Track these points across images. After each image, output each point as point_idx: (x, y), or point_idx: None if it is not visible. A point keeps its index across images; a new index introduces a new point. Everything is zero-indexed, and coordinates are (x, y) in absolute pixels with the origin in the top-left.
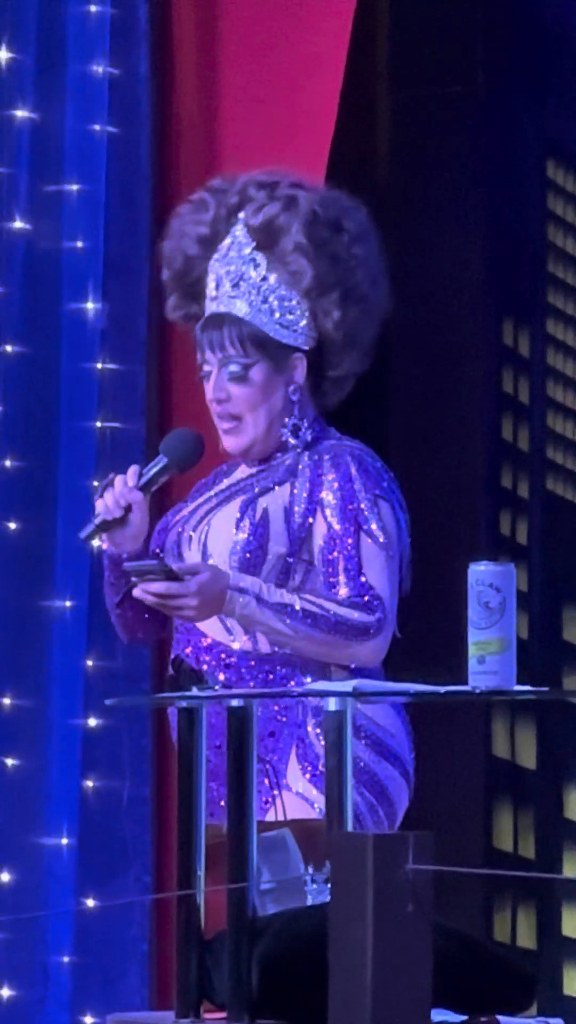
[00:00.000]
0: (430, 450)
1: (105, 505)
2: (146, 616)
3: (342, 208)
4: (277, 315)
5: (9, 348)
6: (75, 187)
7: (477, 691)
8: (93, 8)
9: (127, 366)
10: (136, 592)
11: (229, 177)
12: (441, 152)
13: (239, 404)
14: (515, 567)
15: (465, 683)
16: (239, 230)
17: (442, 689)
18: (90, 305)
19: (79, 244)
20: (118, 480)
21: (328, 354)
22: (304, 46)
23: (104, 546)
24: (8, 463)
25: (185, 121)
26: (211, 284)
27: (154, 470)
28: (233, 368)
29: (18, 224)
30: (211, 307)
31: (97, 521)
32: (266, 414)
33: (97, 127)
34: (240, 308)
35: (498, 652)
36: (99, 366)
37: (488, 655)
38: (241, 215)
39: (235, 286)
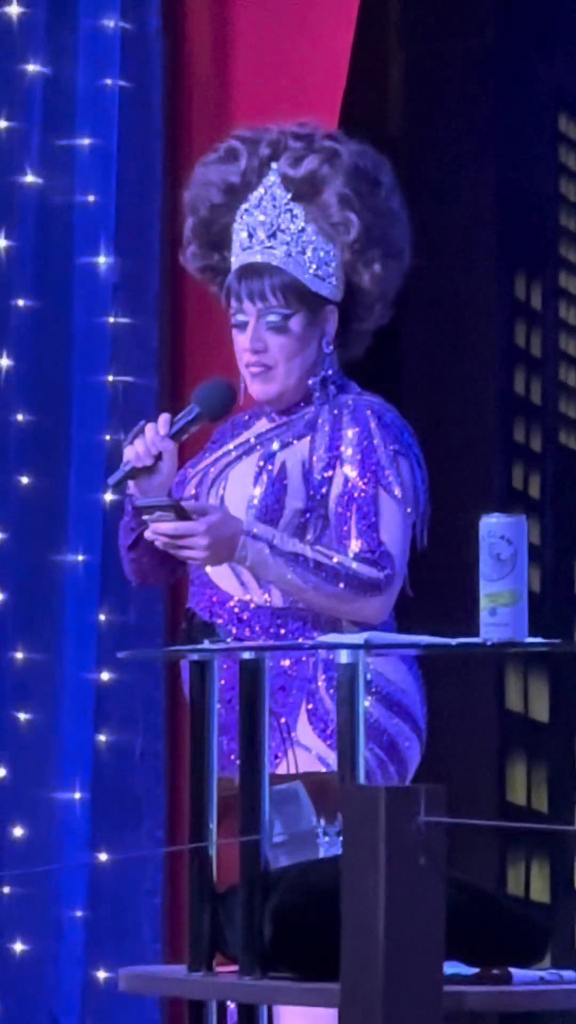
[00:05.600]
0: (442, 404)
1: (135, 452)
2: (159, 562)
3: (374, 161)
4: (314, 267)
5: (21, 302)
6: (87, 141)
7: (488, 643)
8: None
9: (139, 320)
10: (147, 534)
11: (259, 127)
12: (452, 106)
13: (275, 354)
14: (527, 520)
15: (477, 636)
16: (272, 180)
17: (453, 641)
18: (102, 259)
19: (91, 198)
20: (149, 428)
21: (357, 307)
22: (315, 1)
23: (131, 493)
24: (20, 417)
25: (197, 75)
26: (242, 234)
27: (186, 419)
28: (272, 318)
29: (30, 178)
30: (245, 257)
31: (126, 468)
32: (300, 365)
33: (109, 81)
34: (278, 258)
35: (509, 604)
36: (111, 320)
37: (499, 607)
38: (275, 165)
39: (271, 236)
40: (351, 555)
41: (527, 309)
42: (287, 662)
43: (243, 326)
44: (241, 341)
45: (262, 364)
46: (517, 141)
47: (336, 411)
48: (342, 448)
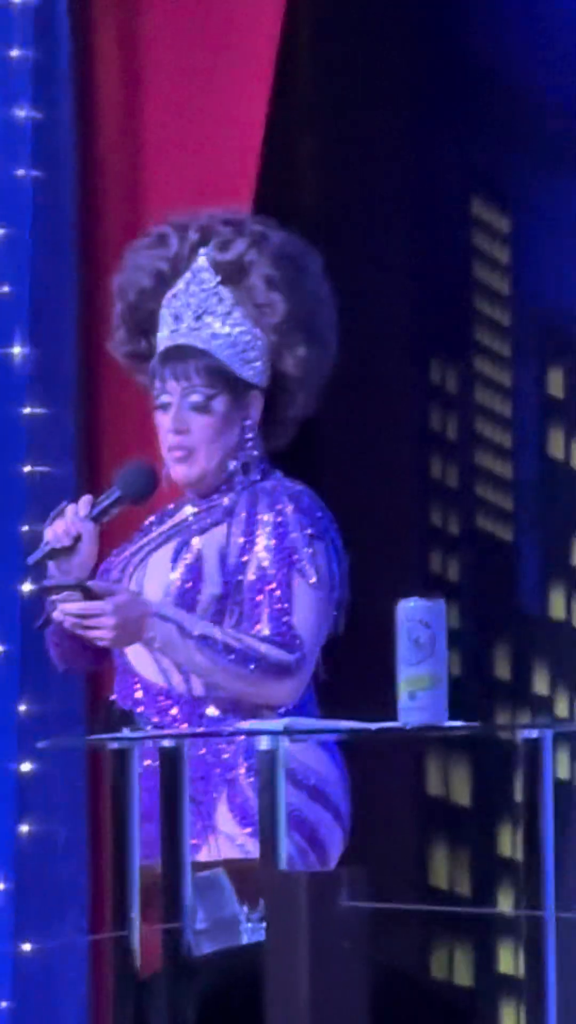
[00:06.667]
0: (358, 488)
1: (55, 533)
2: (82, 647)
3: (302, 250)
4: (239, 350)
5: None
6: (0, 232)
7: (408, 727)
8: (15, 52)
9: (55, 410)
10: (56, 614)
11: (189, 213)
12: (364, 190)
13: (197, 435)
14: (446, 605)
15: (397, 720)
16: (201, 264)
17: (373, 726)
18: (17, 350)
19: (5, 289)
20: (69, 509)
21: (281, 394)
22: (227, 88)
23: (51, 574)
24: None
25: (109, 164)
26: (169, 318)
27: (107, 501)
28: (195, 398)
29: None
30: (171, 339)
31: (46, 548)
32: (221, 448)
33: (21, 172)
34: (204, 340)
35: (428, 688)
36: (27, 410)
37: (419, 691)
38: (203, 250)
39: (198, 319)
40: (260, 638)
41: (442, 393)
42: (204, 751)
43: (166, 407)
44: (164, 422)
45: (184, 447)
46: (430, 225)
47: (253, 497)
48: (257, 533)
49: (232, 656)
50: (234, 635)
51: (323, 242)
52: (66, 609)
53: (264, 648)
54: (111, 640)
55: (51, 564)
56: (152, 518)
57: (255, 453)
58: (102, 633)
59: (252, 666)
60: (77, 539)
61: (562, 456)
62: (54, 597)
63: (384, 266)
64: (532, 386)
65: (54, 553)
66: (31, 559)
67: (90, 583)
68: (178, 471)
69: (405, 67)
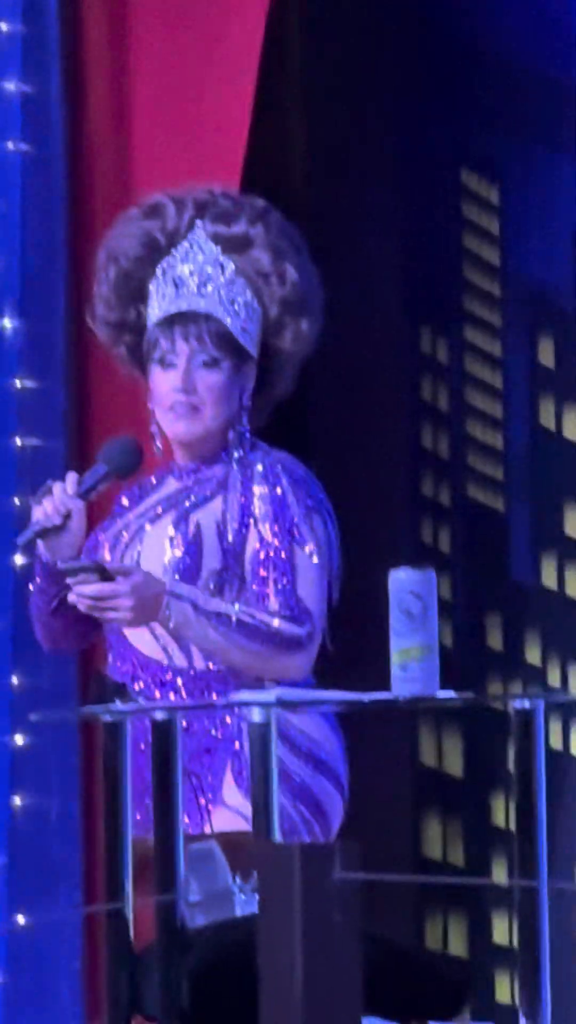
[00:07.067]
0: (350, 459)
1: (44, 512)
2: (73, 625)
3: (293, 227)
4: (241, 319)
5: None
6: None
7: (400, 699)
8: (4, 26)
9: (45, 383)
10: (70, 597)
11: (186, 185)
12: (354, 162)
13: (205, 395)
14: (438, 575)
15: (389, 691)
16: (199, 235)
17: (365, 697)
18: (7, 323)
19: None
20: (57, 487)
21: (270, 372)
22: (216, 62)
23: (40, 553)
24: None
25: (98, 138)
26: (167, 285)
27: (94, 478)
28: (204, 358)
29: None
30: (176, 305)
31: (36, 528)
32: (226, 410)
33: (11, 145)
34: (210, 306)
35: (420, 659)
36: (17, 383)
37: (410, 662)
38: (200, 222)
39: (202, 285)
40: (271, 613)
41: (433, 363)
42: (207, 722)
43: (171, 366)
44: (169, 379)
45: (190, 405)
46: (421, 195)
47: (246, 470)
48: (255, 506)
49: (245, 632)
50: (247, 611)
51: (314, 214)
52: (82, 591)
53: (277, 623)
54: (128, 621)
55: (40, 543)
56: (131, 491)
57: (247, 425)
58: (119, 615)
59: (265, 642)
60: (67, 517)
61: (553, 426)
62: (69, 580)
63: (374, 237)
64: (523, 356)
65: (44, 532)
66: (21, 539)
67: (106, 564)
68: (179, 427)
69: (394, 40)
